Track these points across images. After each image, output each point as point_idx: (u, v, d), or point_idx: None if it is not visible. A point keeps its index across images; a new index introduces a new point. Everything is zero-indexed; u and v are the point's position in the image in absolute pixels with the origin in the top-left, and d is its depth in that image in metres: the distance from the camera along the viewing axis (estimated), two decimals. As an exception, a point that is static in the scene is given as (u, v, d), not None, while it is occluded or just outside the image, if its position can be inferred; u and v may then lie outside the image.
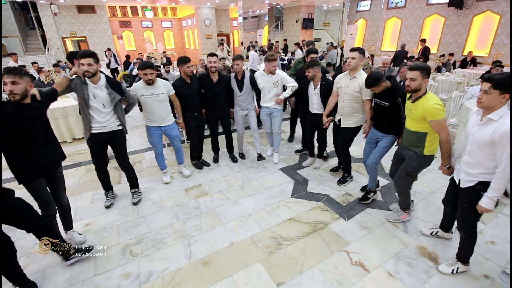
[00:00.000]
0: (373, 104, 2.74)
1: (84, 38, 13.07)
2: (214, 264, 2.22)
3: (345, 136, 3.13)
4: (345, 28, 12.65)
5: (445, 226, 2.41)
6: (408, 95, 2.30)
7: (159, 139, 3.25)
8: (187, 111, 3.40)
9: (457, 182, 1.97)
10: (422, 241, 2.45)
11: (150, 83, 2.89)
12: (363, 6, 13.50)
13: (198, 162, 3.85)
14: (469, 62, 8.37)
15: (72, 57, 3.25)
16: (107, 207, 2.96)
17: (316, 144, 3.77)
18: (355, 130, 3.08)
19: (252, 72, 4.05)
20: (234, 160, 3.96)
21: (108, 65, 9.93)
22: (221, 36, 16.47)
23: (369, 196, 3.00)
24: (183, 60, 3.22)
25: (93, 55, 2.38)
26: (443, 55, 8.32)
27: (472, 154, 1.78)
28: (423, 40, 8.55)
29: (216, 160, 3.96)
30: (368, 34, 13.49)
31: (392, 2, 11.80)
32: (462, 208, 1.95)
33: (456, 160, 2.09)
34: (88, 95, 2.46)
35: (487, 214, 2.36)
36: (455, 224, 2.18)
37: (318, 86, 3.26)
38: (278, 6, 16.06)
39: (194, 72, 3.96)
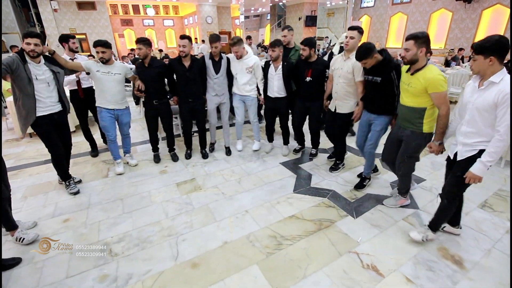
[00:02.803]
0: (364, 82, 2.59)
1: (84, 35, 12.90)
2: (203, 267, 1.93)
3: (340, 123, 2.96)
4: (349, 25, 12.37)
5: (452, 219, 2.15)
6: (405, 67, 2.14)
7: (111, 124, 3.08)
8: (146, 98, 3.22)
9: (452, 157, 1.90)
10: (442, 241, 2.15)
11: (103, 61, 2.83)
12: (367, 2, 13.21)
13: (157, 154, 3.58)
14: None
15: (63, 39, 3.30)
16: (75, 193, 2.80)
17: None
18: (349, 116, 2.87)
19: None
20: (204, 156, 3.59)
21: None
22: (223, 34, 16.25)
23: (364, 183, 2.86)
24: (138, 41, 2.98)
25: (40, 36, 2.37)
26: (452, 49, 8.00)
27: (471, 122, 1.71)
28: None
29: (188, 156, 3.60)
30: (372, 31, 13.18)
31: (397, -2, 11.50)
32: (453, 177, 1.86)
33: (449, 137, 2.04)
34: (31, 75, 2.35)
35: None
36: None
37: (280, 67, 3.16)
38: (281, 4, 15.83)
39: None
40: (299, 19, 15.25)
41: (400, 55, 2.28)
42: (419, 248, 2.08)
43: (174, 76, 3.26)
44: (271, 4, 15.38)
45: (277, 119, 3.59)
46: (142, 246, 2.12)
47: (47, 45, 3.14)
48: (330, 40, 12.13)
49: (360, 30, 2.62)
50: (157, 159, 3.53)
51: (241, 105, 3.54)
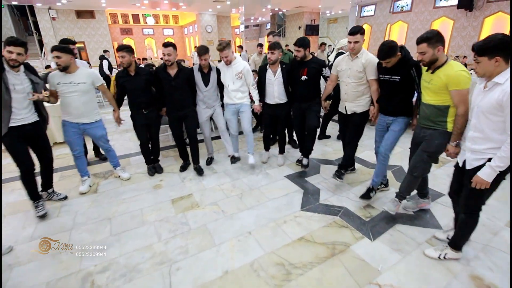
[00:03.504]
0: (380, 82, 2.45)
1: (82, 44, 12.81)
2: (200, 303, 1.64)
3: (354, 124, 2.76)
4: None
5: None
6: (425, 68, 2.01)
7: (76, 139, 2.74)
8: (132, 107, 2.98)
9: (460, 165, 1.77)
10: (474, 268, 1.87)
11: (60, 69, 2.47)
12: (367, 11, 13.21)
13: (152, 167, 3.31)
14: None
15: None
16: (42, 216, 2.45)
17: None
18: (365, 116, 2.70)
19: None
20: (199, 172, 3.24)
21: (101, 70, 7.28)
22: (222, 43, 16.22)
23: (371, 194, 2.65)
24: (119, 48, 2.76)
25: (25, 44, 2.19)
26: (457, 56, 7.88)
27: (478, 126, 1.60)
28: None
29: (182, 168, 3.34)
30: (372, 40, 13.13)
31: (397, 6, 11.49)
32: (466, 190, 1.73)
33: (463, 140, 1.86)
34: (8, 85, 2.14)
35: None
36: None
37: (279, 72, 3.00)
38: (280, 13, 15.88)
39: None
40: (299, 28, 15.27)
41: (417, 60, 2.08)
42: (448, 277, 1.81)
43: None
44: (271, 14, 15.42)
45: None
46: (129, 276, 1.84)
47: (45, 56, 3.00)
48: (333, 48, 12.03)
49: (361, 32, 2.46)
50: (151, 171, 3.26)
51: (234, 117, 3.30)
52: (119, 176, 3.16)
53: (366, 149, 3.79)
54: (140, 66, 3.23)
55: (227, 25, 16.33)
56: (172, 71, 2.91)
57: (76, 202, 2.72)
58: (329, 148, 4.03)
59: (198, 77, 3.04)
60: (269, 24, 17.01)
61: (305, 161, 3.28)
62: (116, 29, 15.58)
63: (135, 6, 13.32)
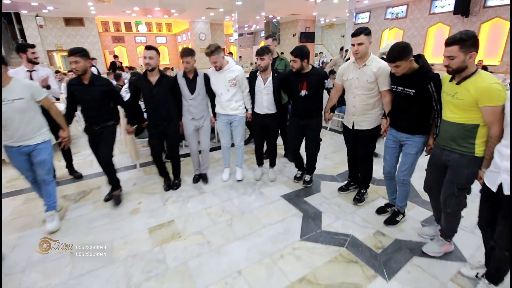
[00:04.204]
0: (392, 94, 2.15)
1: (71, 52, 12.44)
2: None
3: (364, 142, 2.45)
4: (347, 42, 12.17)
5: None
6: (447, 76, 1.72)
7: (24, 164, 2.22)
8: (84, 121, 2.57)
9: (494, 190, 1.47)
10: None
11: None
12: (362, 18, 13.13)
13: (110, 194, 2.77)
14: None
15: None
16: None
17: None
18: (375, 132, 2.39)
19: None
20: (176, 187, 2.95)
21: None
22: (216, 50, 16.01)
23: (397, 219, 2.33)
24: (71, 52, 2.27)
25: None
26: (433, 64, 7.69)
27: None
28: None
29: (167, 187, 2.94)
30: (368, 47, 13.02)
31: (392, 13, 11.38)
32: (506, 222, 1.45)
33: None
34: None
35: None
36: None
37: (269, 80, 2.69)
38: (274, 21, 15.78)
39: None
40: (294, 35, 15.15)
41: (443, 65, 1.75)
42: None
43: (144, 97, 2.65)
44: (265, 21, 15.30)
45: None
46: None
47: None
48: (325, 57, 11.87)
49: (366, 32, 2.12)
50: (106, 197, 2.77)
51: (227, 128, 2.96)
52: (44, 221, 2.37)
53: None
54: (120, 73, 2.86)
55: (221, 33, 16.15)
56: (153, 78, 2.56)
57: (36, 232, 2.30)
58: (329, 161, 3.68)
59: (182, 83, 2.68)
60: (263, 32, 16.92)
61: (307, 177, 3.00)
62: (108, 37, 15.27)
63: (127, 14, 13.06)
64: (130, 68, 10.23)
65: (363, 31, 2.13)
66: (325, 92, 2.66)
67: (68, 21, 12.00)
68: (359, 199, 2.64)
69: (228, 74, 2.70)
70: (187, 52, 2.56)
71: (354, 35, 2.15)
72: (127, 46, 15.89)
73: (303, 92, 2.55)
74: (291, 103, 2.82)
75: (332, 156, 3.84)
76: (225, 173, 3.19)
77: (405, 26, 10.92)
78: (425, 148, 2.05)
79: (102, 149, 2.55)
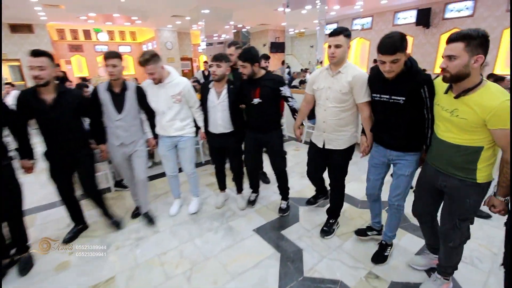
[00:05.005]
0: (375, 105, 1.78)
1: (18, 62, 11.14)
2: None
3: (336, 165, 2.09)
4: (318, 53, 12.25)
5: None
6: (442, 84, 1.39)
7: None
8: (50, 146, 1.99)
9: None
10: None
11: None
12: (330, 29, 13.40)
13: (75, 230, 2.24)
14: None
15: None
16: None
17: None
18: (349, 152, 2.04)
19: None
20: (118, 226, 2.36)
21: None
22: (184, 61, 15.44)
23: (386, 253, 1.95)
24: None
25: None
26: (424, 70, 7.94)
27: None
28: (374, 60, 8.23)
29: (69, 239, 2.20)
30: (336, 56, 13.26)
31: (356, 24, 11.69)
32: None
33: None
34: None
35: None
36: None
37: (224, 93, 2.24)
38: (244, 30, 15.63)
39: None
40: (264, 45, 15.07)
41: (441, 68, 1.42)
42: None
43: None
44: (234, 31, 15.08)
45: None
46: None
47: None
48: (290, 69, 11.80)
49: (346, 34, 1.77)
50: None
51: (171, 153, 2.42)
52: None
53: (351, 178, 3.07)
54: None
55: (188, 42, 15.62)
56: (48, 96, 1.85)
57: None
58: (306, 180, 3.25)
59: (106, 99, 2.10)
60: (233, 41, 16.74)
61: (283, 204, 2.58)
62: (64, 45, 14.05)
63: (83, 21, 12.07)
64: (83, 79, 9.29)
65: (343, 31, 1.76)
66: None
67: (14, 28, 10.74)
68: (327, 231, 2.25)
69: (170, 88, 2.20)
70: (111, 55, 2.01)
71: (332, 34, 1.77)
72: (86, 55, 14.73)
73: (256, 100, 2.17)
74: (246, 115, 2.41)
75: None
76: (174, 205, 2.63)
77: (371, 37, 11.25)
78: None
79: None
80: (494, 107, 1.20)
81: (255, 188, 2.77)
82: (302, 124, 2.35)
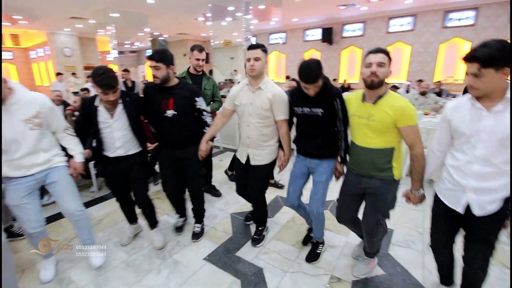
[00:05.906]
0: (294, 118, 1.94)
1: None
2: None
3: (257, 178, 2.07)
4: (240, 63, 12.49)
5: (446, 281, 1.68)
6: (355, 95, 1.62)
7: None
8: None
9: (460, 211, 1.33)
10: None
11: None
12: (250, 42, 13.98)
13: None
14: (347, 88, 9.46)
15: None
16: None
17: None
18: (270, 167, 2.08)
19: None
20: None
21: None
22: (89, 70, 13.40)
23: (318, 251, 2.05)
24: None
25: None
26: (335, 79, 9.03)
27: (490, 159, 1.21)
28: (287, 77, 9.14)
29: None
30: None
31: (272, 39, 12.53)
32: (480, 245, 1.36)
33: (426, 180, 1.55)
34: None
35: None
36: None
37: (120, 108, 1.84)
38: (161, 39, 14.76)
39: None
40: (184, 55, 14.55)
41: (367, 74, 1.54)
42: None
43: None
44: (150, 39, 14.05)
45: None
46: None
47: None
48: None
49: (263, 49, 1.81)
50: None
51: (33, 199, 1.69)
52: None
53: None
54: None
55: (93, 49, 13.63)
56: None
57: None
58: (235, 196, 3.15)
59: None
60: (150, 50, 15.53)
61: (196, 228, 2.32)
62: None
63: None
64: None
65: (260, 46, 1.81)
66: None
67: None
68: (258, 239, 2.21)
69: (20, 110, 1.55)
70: None
71: (250, 48, 1.79)
72: None
73: (170, 112, 1.93)
74: (155, 130, 2.11)
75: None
76: (45, 268, 1.87)
77: (286, 51, 12.25)
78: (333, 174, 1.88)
79: None
80: (400, 107, 1.44)
81: (180, 212, 2.42)
82: (211, 140, 2.16)
